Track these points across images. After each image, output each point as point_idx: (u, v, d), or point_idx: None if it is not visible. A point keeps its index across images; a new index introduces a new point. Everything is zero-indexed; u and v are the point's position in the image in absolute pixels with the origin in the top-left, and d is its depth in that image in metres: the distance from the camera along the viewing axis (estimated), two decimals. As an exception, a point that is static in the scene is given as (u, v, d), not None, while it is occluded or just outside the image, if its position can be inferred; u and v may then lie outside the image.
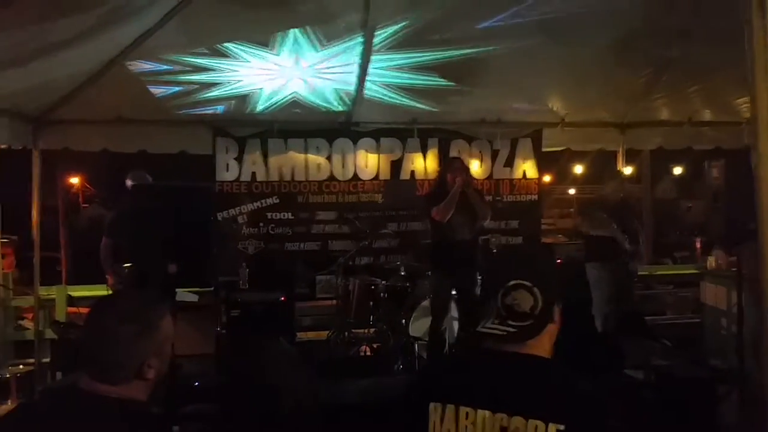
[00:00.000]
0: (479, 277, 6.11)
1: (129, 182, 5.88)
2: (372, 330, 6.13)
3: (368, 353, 6.05)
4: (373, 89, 6.03)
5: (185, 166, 7.03)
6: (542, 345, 1.62)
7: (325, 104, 6.32)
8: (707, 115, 6.99)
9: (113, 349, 1.69)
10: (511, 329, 1.57)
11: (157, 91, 5.66)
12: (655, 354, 5.76)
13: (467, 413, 1.55)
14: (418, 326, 5.92)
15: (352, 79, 5.76)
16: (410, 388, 1.76)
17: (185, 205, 5.01)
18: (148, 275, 5.01)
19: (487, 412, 1.53)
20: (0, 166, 5.96)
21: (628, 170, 7.99)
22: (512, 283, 1.58)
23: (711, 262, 6.64)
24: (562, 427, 1.47)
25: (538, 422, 1.48)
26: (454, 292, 5.69)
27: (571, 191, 23.83)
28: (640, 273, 6.79)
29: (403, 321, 5.96)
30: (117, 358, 1.70)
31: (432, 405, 1.60)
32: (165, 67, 5.22)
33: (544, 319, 1.59)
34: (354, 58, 5.33)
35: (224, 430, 1.67)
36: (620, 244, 6.16)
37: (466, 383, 1.61)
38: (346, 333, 6.09)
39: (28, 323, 6.36)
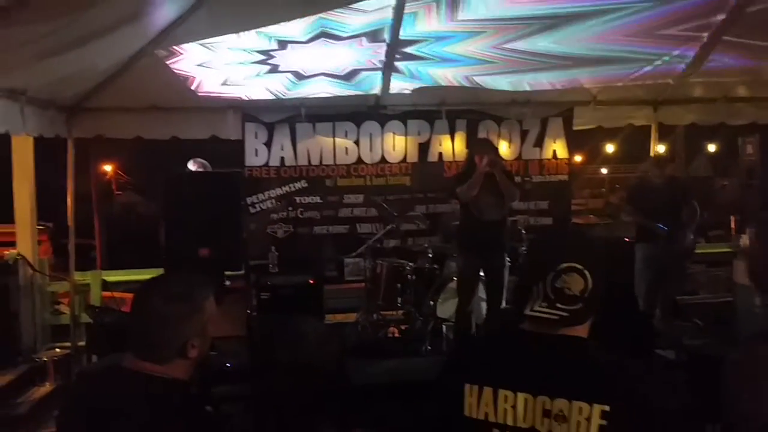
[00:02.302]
0: (519, 258, 6.14)
1: (190, 168, 6.34)
2: (400, 312, 6.15)
3: (396, 335, 6.09)
4: (401, 72, 6.05)
5: (215, 151, 7.10)
6: (581, 327, 1.57)
7: (352, 87, 6.34)
8: (742, 91, 6.83)
9: (160, 328, 1.74)
10: (562, 313, 1.52)
11: (187, 76, 5.74)
12: (687, 334, 5.72)
13: (506, 396, 1.52)
14: (446, 308, 5.92)
15: (380, 59, 5.79)
16: (444, 368, 1.73)
17: (217, 190, 5.07)
18: (183, 259, 5.09)
19: (527, 395, 1.50)
20: (35, 154, 6.08)
21: (661, 148, 7.85)
22: (564, 266, 1.52)
23: (744, 240, 6.52)
24: (606, 408, 1.43)
25: (582, 404, 1.45)
26: (481, 273, 5.68)
27: (603, 170, 23.51)
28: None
29: (431, 303, 5.97)
30: (163, 338, 1.75)
31: (467, 386, 1.57)
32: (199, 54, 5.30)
33: (594, 303, 1.54)
34: (383, 39, 5.36)
35: (254, 410, 1.70)
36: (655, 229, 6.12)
37: (504, 365, 1.58)
38: (375, 315, 6.13)
39: (64, 308, 6.52)
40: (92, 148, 13.55)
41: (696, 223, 6.34)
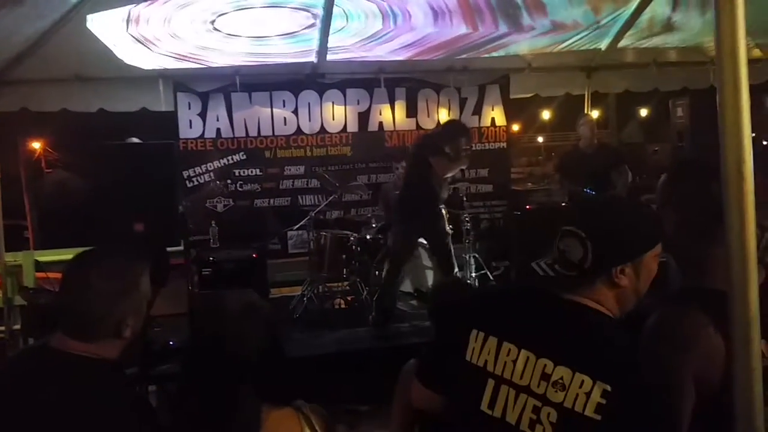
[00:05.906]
0: (461, 226, 6.21)
1: None
2: (345, 283, 6.14)
3: (343, 306, 6.08)
4: (338, 39, 5.92)
5: (147, 124, 6.85)
6: (605, 301, 1.52)
7: (290, 54, 6.18)
8: (673, 55, 6.99)
9: (93, 305, 1.66)
10: (557, 273, 1.53)
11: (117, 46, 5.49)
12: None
13: (510, 350, 1.50)
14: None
15: (316, 28, 5.66)
16: (452, 311, 1.75)
17: (149, 162, 4.87)
18: (117, 234, 4.91)
19: (530, 354, 1.47)
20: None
21: (594, 115, 8.00)
22: (565, 228, 1.51)
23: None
24: (608, 388, 1.36)
25: (586, 377, 1.39)
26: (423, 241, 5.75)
27: (540, 139, 23.94)
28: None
29: (377, 273, 5.97)
30: (96, 315, 1.66)
31: (474, 331, 1.56)
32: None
33: (594, 276, 1.50)
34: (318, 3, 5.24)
35: (178, 385, 1.66)
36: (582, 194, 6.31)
37: (514, 319, 1.56)
38: (320, 287, 6.09)
39: (-5, 291, 6.24)
40: (19, 124, 12.93)
41: (627, 186, 6.54)
